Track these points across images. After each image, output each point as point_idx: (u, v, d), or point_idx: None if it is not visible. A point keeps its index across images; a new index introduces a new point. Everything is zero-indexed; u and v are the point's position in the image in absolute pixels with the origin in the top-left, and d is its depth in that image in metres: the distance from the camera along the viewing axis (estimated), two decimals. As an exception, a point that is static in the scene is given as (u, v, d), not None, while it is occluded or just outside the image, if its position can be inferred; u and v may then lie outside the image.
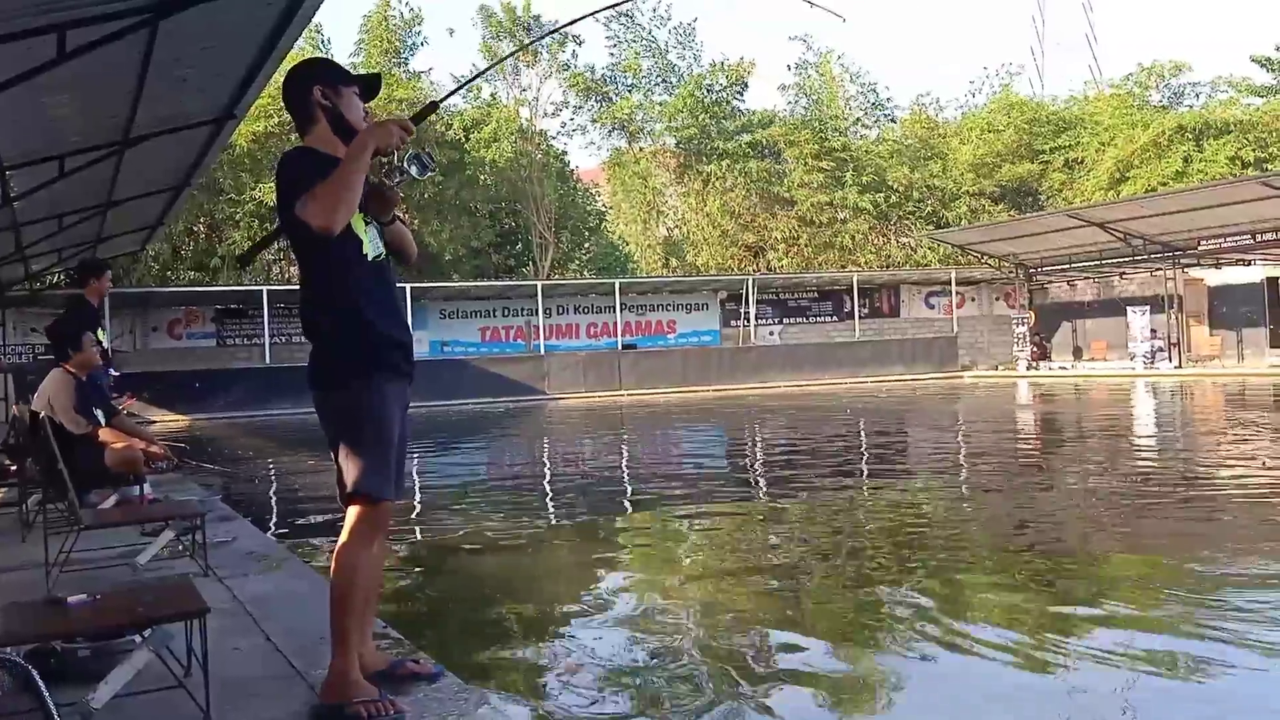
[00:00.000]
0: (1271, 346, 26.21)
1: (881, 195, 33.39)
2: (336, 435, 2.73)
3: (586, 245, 38.19)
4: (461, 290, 28.52)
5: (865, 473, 10.27)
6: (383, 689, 2.71)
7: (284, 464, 13.35)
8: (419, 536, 7.08)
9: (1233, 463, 9.81)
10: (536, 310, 27.85)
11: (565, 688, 3.67)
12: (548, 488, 10.14)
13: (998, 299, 32.83)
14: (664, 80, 36.11)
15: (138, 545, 5.05)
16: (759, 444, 14.10)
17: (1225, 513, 7.03)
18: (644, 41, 35.88)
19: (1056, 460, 10.93)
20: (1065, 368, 28.63)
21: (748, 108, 36.06)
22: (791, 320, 31.78)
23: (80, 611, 2.73)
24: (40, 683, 2.24)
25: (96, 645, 2.92)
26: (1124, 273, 29.40)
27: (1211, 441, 11.99)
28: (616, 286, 28.54)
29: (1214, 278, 27.67)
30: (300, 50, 23.65)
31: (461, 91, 34.73)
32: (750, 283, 29.80)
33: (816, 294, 32.13)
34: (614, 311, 28.58)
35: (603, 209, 40.15)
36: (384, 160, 2.75)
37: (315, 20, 30.79)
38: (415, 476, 10.53)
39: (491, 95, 34.72)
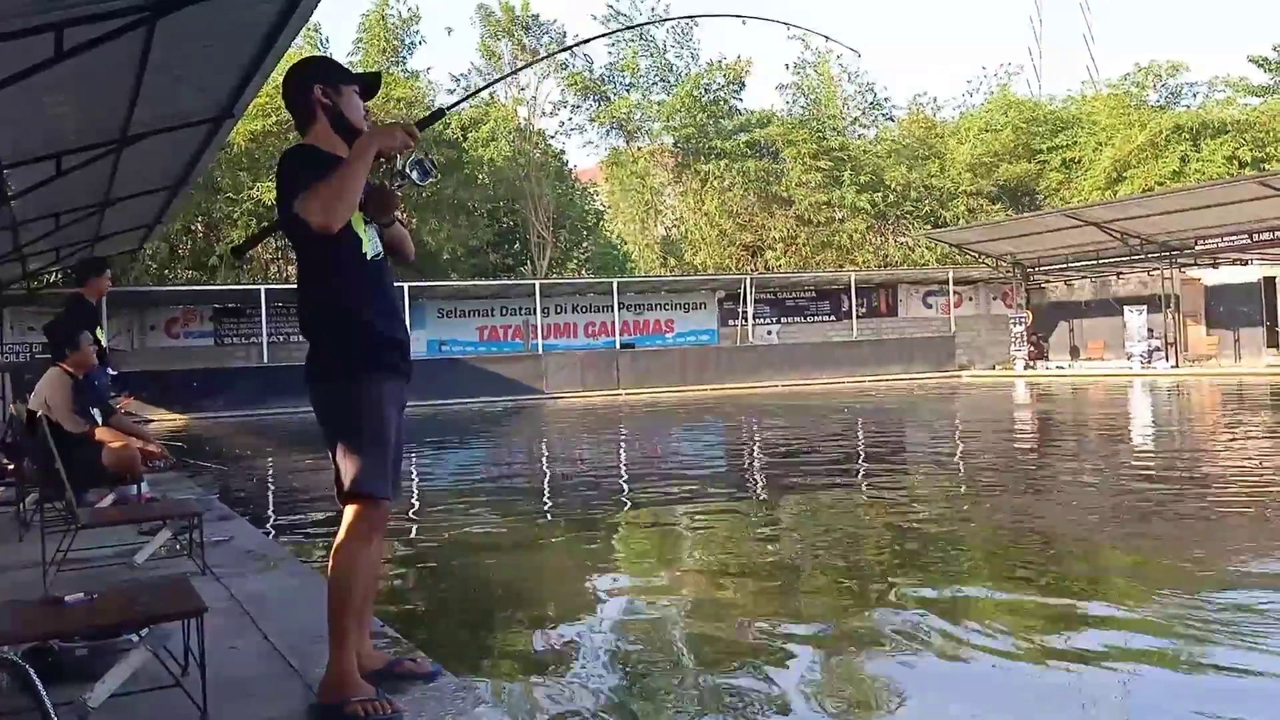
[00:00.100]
0: (1268, 346, 26.25)
1: (879, 195, 33.41)
2: (334, 434, 2.74)
3: (584, 244, 38.19)
4: (459, 289, 28.51)
5: (863, 472, 10.27)
6: (380, 688, 2.71)
7: (282, 463, 13.34)
8: (417, 535, 7.08)
9: (1230, 462, 9.82)
10: (534, 309, 27.85)
11: (562, 687, 3.67)
12: (546, 487, 10.14)
13: (995, 298, 32.85)
14: (662, 79, 36.13)
15: (135, 544, 5.04)
16: (757, 443, 14.10)
17: (1223, 512, 7.03)
18: (642, 40, 35.87)
19: (1053, 460, 10.94)
20: (1062, 367, 28.65)
21: (746, 107, 36.11)
22: (789, 319, 31.79)
23: (77, 610, 2.73)
24: (37, 682, 2.24)
25: (94, 644, 2.92)
26: (1121, 272, 29.43)
27: (1208, 441, 12.00)
28: (614, 286, 28.54)
29: (1211, 277, 27.70)
30: (298, 49, 23.63)
31: (459, 92, 34.78)
32: (748, 282, 29.81)
33: (814, 293, 32.14)
34: (612, 311, 28.57)
35: (601, 208, 40.15)
36: (386, 163, 2.76)
37: (313, 19, 30.79)
38: (413, 476, 10.52)
39: (490, 94, 34.70)
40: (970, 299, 33.16)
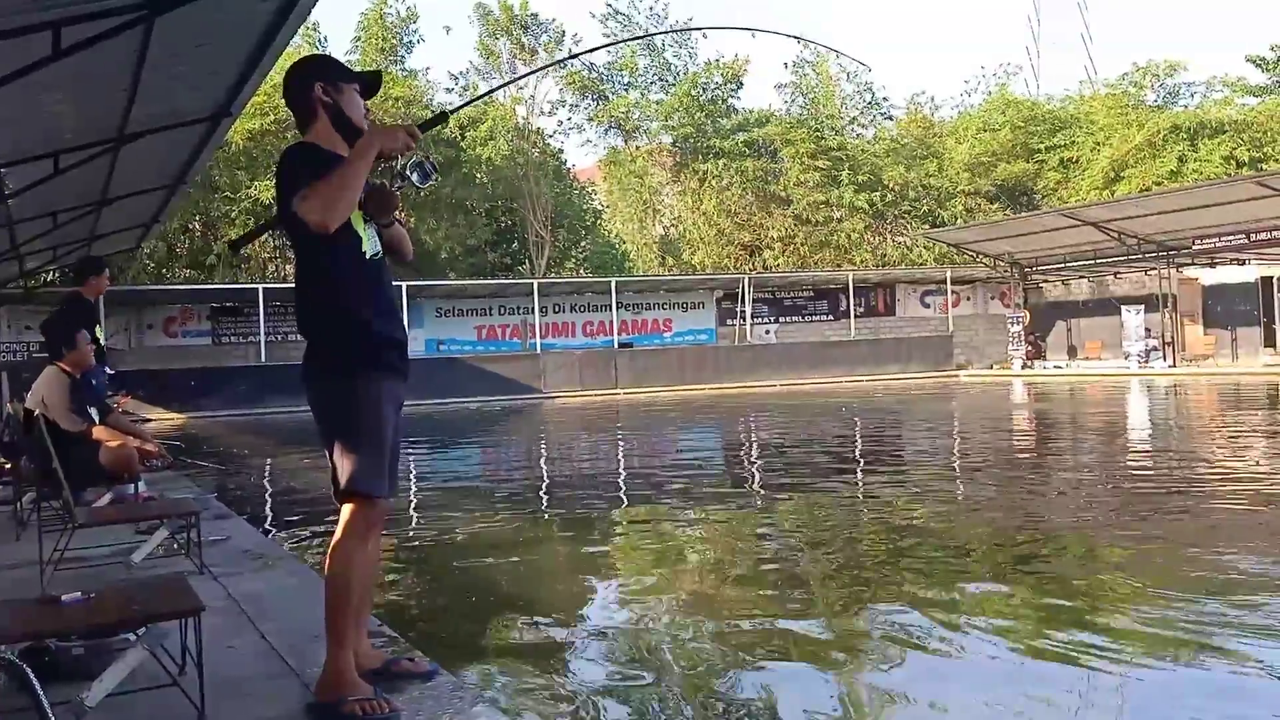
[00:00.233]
0: (1265, 346, 26.27)
1: (877, 194, 33.41)
2: (331, 432, 2.73)
3: (583, 244, 38.18)
4: (457, 288, 28.49)
5: (861, 472, 10.28)
6: (377, 687, 2.71)
7: (279, 462, 13.33)
8: (414, 534, 7.08)
9: (1228, 462, 9.83)
10: (532, 309, 27.84)
11: (561, 687, 3.67)
12: (544, 486, 10.14)
13: (993, 298, 32.87)
14: (660, 78, 36.13)
15: (132, 543, 5.04)
16: (754, 442, 14.11)
17: (1221, 512, 7.04)
18: (640, 39, 35.86)
19: (1050, 460, 10.95)
20: (1060, 367, 28.67)
21: (744, 106, 36.13)
22: (787, 319, 31.80)
23: (75, 610, 2.73)
24: (35, 681, 2.24)
25: (91, 643, 2.92)
26: (1118, 272, 29.46)
27: (1205, 440, 12.01)
28: (613, 285, 28.53)
29: (1208, 277, 27.73)
30: (296, 48, 23.60)
31: (457, 91, 34.79)
32: (746, 281, 29.82)
33: (812, 293, 32.15)
34: (610, 310, 28.57)
35: (599, 207, 40.15)
36: (386, 164, 2.76)
37: (312, 18, 30.73)
38: (410, 475, 10.52)
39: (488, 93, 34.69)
40: (968, 299, 33.17)
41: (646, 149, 36.32)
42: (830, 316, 32.01)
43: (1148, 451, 11.29)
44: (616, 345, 28.36)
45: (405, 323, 3.06)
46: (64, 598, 2.78)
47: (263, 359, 24.56)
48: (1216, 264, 26.90)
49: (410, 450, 12.75)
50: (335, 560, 2.69)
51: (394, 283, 2.99)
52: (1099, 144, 32.32)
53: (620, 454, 13.33)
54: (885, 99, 38.78)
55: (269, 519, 8.04)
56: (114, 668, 2.71)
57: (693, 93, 34.42)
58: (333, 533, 2.75)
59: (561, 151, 37.16)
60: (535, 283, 28.67)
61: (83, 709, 2.57)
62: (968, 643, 4.03)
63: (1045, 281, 31.39)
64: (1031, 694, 3.48)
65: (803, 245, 34.31)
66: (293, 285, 2.86)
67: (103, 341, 6.88)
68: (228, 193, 27.34)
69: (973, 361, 31.14)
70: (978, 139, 34.66)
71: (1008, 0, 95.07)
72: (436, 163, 2.88)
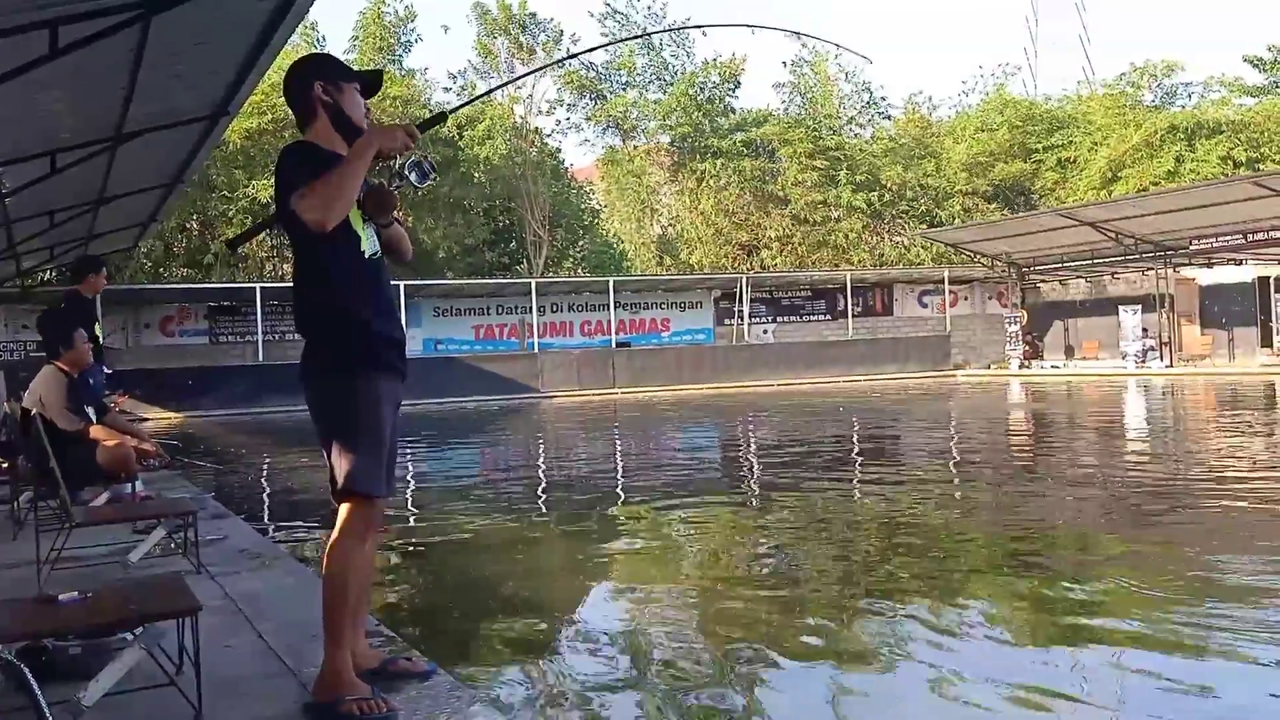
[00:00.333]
0: (1262, 346, 26.30)
1: (875, 194, 33.43)
2: (329, 431, 2.73)
3: (580, 243, 38.15)
4: (455, 288, 28.47)
5: (859, 471, 10.28)
6: (375, 686, 2.71)
7: (276, 461, 13.32)
8: (412, 534, 7.07)
9: (1226, 462, 9.84)
10: (530, 308, 27.83)
11: (559, 686, 3.67)
12: (541, 486, 10.14)
13: (990, 298, 32.90)
14: (658, 78, 36.12)
15: (129, 543, 5.04)
16: (752, 442, 14.11)
17: (1220, 512, 7.05)
18: (639, 39, 35.86)
19: (1047, 459, 10.96)
20: (1057, 367, 28.70)
21: (742, 106, 36.17)
22: (785, 319, 31.81)
23: (72, 609, 2.72)
24: (32, 680, 2.24)
25: (88, 643, 2.91)
26: (1116, 272, 29.48)
27: (1203, 440, 12.03)
28: (611, 285, 28.52)
29: (1205, 277, 27.76)
30: (295, 47, 23.60)
31: (455, 90, 34.76)
32: (744, 281, 29.82)
33: (810, 292, 32.16)
34: (608, 310, 28.57)
35: (597, 207, 40.12)
36: (385, 163, 2.76)
37: (310, 17, 30.74)
38: (408, 474, 10.52)
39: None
40: (965, 298, 33.20)
41: (644, 148, 36.32)
42: (828, 316, 32.02)
43: (1144, 451, 11.30)
44: (614, 345, 28.35)
45: (403, 322, 3.05)
46: (61, 597, 2.78)
47: (260, 358, 24.55)
48: (1213, 264, 26.94)
49: (408, 449, 12.75)
50: (333, 559, 2.69)
51: (392, 282, 2.99)
52: (1096, 144, 32.36)
53: (618, 453, 13.33)
54: (883, 99, 38.85)
55: (266, 518, 8.03)
56: (111, 667, 2.70)
57: (690, 92, 34.43)
58: (330, 532, 2.75)
59: (559, 151, 37.18)
60: (533, 282, 28.66)
61: (80, 708, 2.57)
62: (964, 643, 4.03)
63: (1043, 281, 31.42)
64: (1030, 694, 3.48)
65: (800, 245, 34.32)
66: (290, 285, 2.85)
67: (101, 340, 6.88)
68: (225, 192, 27.32)
69: (970, 361, 31.16)
70: (975, 139, 34.68)
71: (1006, 0, 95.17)
72: (434, 162, 2.88)
